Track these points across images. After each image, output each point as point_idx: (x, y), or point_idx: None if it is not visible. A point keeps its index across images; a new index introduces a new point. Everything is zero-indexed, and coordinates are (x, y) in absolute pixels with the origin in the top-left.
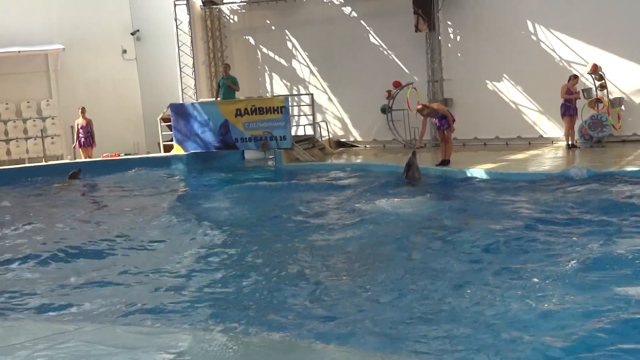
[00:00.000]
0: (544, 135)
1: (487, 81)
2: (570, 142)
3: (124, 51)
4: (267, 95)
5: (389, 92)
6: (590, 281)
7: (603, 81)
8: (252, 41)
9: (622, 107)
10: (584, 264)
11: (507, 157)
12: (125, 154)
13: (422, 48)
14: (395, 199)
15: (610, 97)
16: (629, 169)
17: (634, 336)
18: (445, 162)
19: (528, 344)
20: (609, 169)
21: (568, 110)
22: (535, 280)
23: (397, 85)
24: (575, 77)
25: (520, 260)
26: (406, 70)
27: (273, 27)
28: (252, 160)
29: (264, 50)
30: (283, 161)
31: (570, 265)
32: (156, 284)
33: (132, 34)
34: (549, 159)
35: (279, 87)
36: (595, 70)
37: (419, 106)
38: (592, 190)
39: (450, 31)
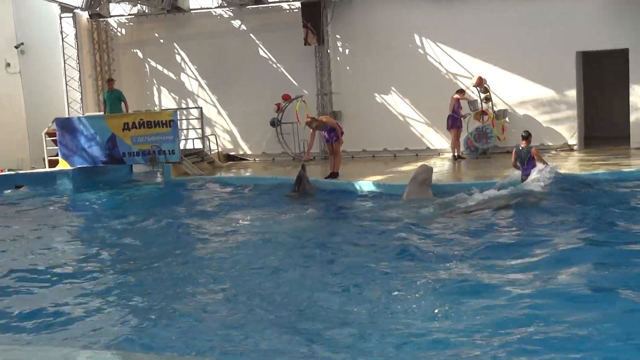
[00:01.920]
0: (431, 147)
1: (376, 94)
2: (456, 154)
3: (7, 64)
4: (156, 109)
5: (278, 105)
6: (447, 292)
7: (488, 94)
8: (140, 54)
9: (506, 119)
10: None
11: (395, 168)
12: (9, 170)
13: (311, 61)
14: (282, 213)
15: (495, 109)
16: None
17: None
18: (334, 175)
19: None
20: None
21: (455, 123)
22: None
23: (287, 98)
24: (463, 91)
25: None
26: (295, 84)
27: (162, 41)
28: (140, 175)
29: (152, 63)
30: (172, 175)
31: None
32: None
33: (16, 47)
34: (435, 170)
35: (167, 100)
36: (481, 83)
37: (308, 119)
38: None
39: (339, 45)
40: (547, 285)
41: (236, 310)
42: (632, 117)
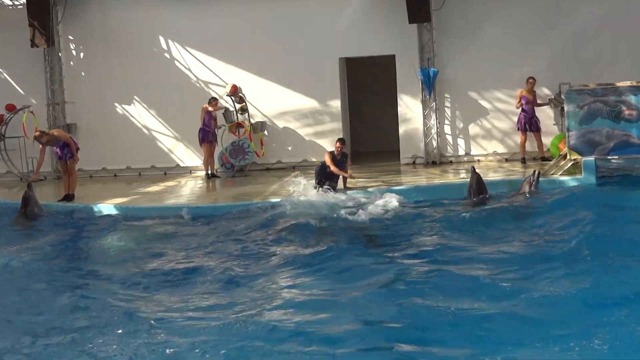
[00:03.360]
0: (182, 164)
1: (116, 104)
2: (209, 172)
3: None
4: None
5: (1, 117)
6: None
7: (244, 104)
8: None
9: (265, 132)
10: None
11: (140, 189)
12: None
13: (40, 66)
14: (5, 243)
15: (252, 121)
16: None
17: None
18: (69, 197)
19: None
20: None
21: (207, 137)
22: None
23: (11, 108)
24: (215, 100)
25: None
26: (21, 92)
27: None
28: None
29: None
30: None
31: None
32: None
33: None
34: (186, 191)
35: None
36: (235, 92)
37: (37, 133)
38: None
39: (72, 47)
40: None
41: None
42: (401, 130)
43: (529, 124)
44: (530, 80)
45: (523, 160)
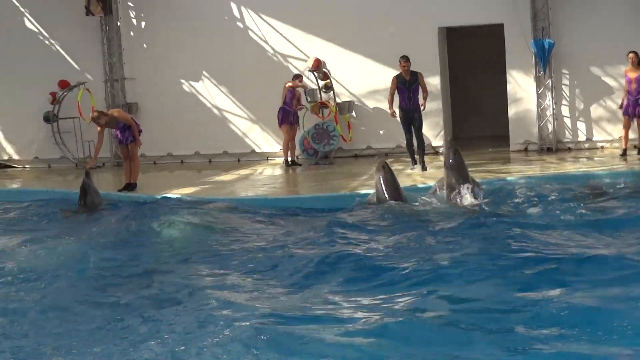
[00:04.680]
0: (257, 150)
1: (183, 81)
2: (289, 158)
3: None
4: None
5: (53, 94)
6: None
7: (328, 80)
8: None
9: (353, 114)
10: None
11: (210, 178)
12: None
13: (96, 37)
14: (62, 237)
15: (338, 100)
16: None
17: None
18: (130, 187)
19: None
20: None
21: (287, 117)
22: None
23: (65, 85)
24: (299, 75)
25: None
26: (76, 66)
27: None
28: None
29: None
30: None
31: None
32: None
33: None
34: (262, 181)
35: None
36: (319, 67)
37: (94, 114)
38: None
39: (132, 15)
40: None
41: None
42: (511, 112)
43: (633, 107)
44: (630, 55)
45: (624, 153)
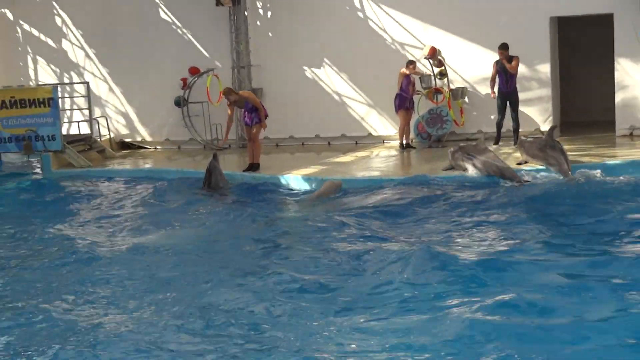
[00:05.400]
0: (374, 134)
1: (305, 67)
2: (404, 142)
3: None
4: (31, 84)
5: (184, 80)
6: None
7: (443, 68)
8: (9, 15)
9: (466, 99)
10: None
11: (330, 159)
12: None
13: (225, 26)
14: (189, 215)
15: (452, 87)
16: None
17: None
18: (254, 167)
19: None
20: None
21: (403, 103)
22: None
23: (195, 72)
24: (414, 63)
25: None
26: (206, 54)
27: None
28: (12, 166)
29: (26, 27)
30: (52, 167)
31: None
32: None
33: None
34: (380, 162)
35: (45, 74)
36: (434, 55)
37: (226, 89)
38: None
39: (259, 5)
40: None
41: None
42: (618, 98)
43: None
44: None
45: None
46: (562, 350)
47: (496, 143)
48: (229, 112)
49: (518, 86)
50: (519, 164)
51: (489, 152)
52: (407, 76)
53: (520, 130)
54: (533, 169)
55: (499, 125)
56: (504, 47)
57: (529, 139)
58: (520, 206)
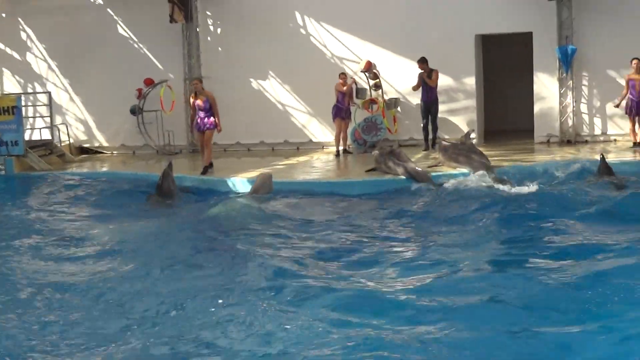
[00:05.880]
0: (314, 140)
1: (252, 79)
2: (341, 148)
3: None
4: None
5: (139, 90)
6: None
7: (378, 80)
8: None
9: (398, 109)
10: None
11: (273, 163)
12: None
13: (178, 41)
14: (139, 216)
15: (386, 97)
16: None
17: None
18: (208, 168)
19: None
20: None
21: (339, 113)
22: None
23: (149, 83)
24: (342, 75)
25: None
26: (160, 66)
27: (4, 15)
28: None
29: None
30: (14, 170)
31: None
32: None
33: None
34: (318, 166)
35: (10, 84)
36: (369, 68)
37: (198, 80)
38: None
39: (210, 22)
40: None
41: (78, 321)
42: (536, 109)
43: (636, 108)
44: (635, 62)
45: (635, 145)
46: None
47: (426, 149)
48: (192, 111)
49: (445, 97)
50: (432, 166)
51: (406, 156)
52: (341, 90)
53: (446, 137)
54: (446, 174)
55: (425, 128)
56: (422, 61)
57: (446, 143)
58: (435, 210)
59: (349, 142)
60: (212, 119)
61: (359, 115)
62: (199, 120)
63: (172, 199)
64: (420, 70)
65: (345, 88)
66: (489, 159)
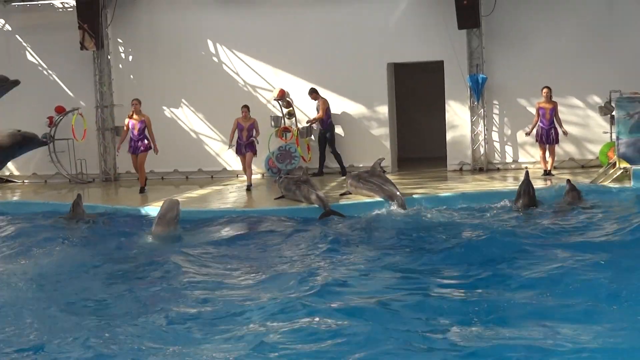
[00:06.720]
0: (228, 168)
1: (164, 107)
2: (248, 183)
3: None
4: None
5: (50, 118)
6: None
7: (291, 108)
8: None
9: (312, 137)
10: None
11: (186, 193)
12: None
13: (89, 69)
14: (52, 244)
15: (299, 126)
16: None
17: None
18: (144, 189)
19: None
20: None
21: (239, 149)
22: None
23: (61, 110)
24: (244, 106)
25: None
26: (71, 94)
27: None
28: None
29: None
30: None
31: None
32: None
33: None
34: (232, 195)
35: None
36: (283, 96)
37: (137, 100)
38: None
39: (121, 50)
40: None
41: None
42: (448, 136)
43: (545, 136)
44: (545, 90)
45: (545, 173)
46: None
47: (343, 174)
48: (125, 128)
49: (359, 125)
50: (343, 194)
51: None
52: (238, 123)
53: (360, 165)
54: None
55: (320, 157)
56: (310, 92)
57: (354, 172)
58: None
59: (263, 169)
60: (145, 141)
61: (272, 143)
62: (132, 143)
63: (83, 224)
64: (336, 100)
65: (242, 122)
66: (399, 187)
